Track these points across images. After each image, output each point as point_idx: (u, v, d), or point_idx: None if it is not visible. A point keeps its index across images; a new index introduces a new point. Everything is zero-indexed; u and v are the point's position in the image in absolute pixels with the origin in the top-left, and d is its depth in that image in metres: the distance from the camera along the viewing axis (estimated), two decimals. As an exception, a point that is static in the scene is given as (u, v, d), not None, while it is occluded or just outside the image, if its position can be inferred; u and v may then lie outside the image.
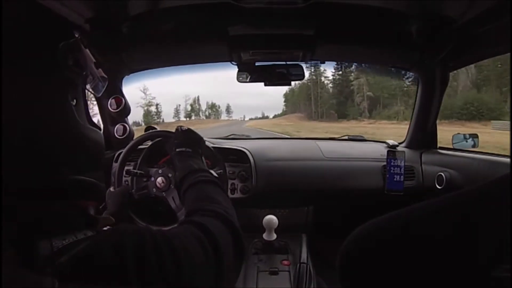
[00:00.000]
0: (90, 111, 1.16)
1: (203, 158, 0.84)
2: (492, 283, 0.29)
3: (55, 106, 0.41)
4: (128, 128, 1.32)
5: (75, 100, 0.44)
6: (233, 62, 1.25)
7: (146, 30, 1.06)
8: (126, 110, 1.29)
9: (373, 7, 0.92)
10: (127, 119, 1.36)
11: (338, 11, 0.96)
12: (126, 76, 1.35)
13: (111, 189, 1.02)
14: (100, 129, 0.51)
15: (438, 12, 0.92)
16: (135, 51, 1.17)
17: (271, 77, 1.28)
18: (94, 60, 0.51)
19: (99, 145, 0.50)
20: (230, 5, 0.88)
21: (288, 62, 1.26)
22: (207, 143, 1.27)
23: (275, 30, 1.08)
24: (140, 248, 0.37)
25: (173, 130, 1.02)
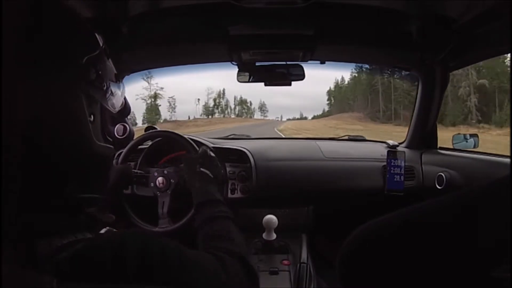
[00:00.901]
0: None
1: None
2: (492, 283, 0.29)
3: (71, 123, 0.39)
4: (128, 128, 1.32)
5: (92, 116, 0.42)
6: (233, 62, 1.25)
7: (146, 30, 1.06)
8: (126, 110, 1.28)
9: (373, 7, 0.92)
10: (128, 119, 1.36)
11: (338, 11, 0.96)
12: (127, 76, 1.35)
13: (113, 161, 1.03)
14: (112, 144, 0.50)
15: (438, 12, 0.92)
16: (135, 51, 1.17)
17: (271, 77, 1.28)
18: (115, 72, 0.50)
19: (109, 162, 0.49)
20: (230, 5, 0.88)
21: (288, 62, 1.26)
22: (206, 142, 1.27)
23: (275, 30, 1.08)
24: (144, 248, 0.37)
25: (173, 130, 1.02)
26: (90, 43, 0.43)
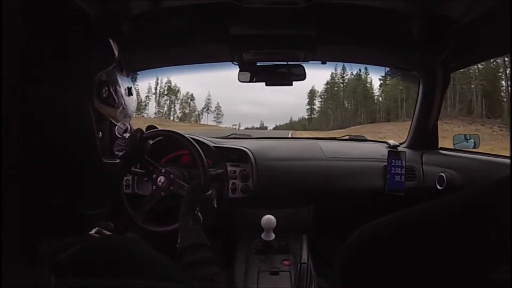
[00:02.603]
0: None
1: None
2: (492, 283, 0.29)
3: (79, 140, 0.38)
4: (129, 127, 1.32)
5: (100, 133, 0.41)
6: (234, 62, 1.25)
7: (147, 30, 1.06)
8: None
9: (374, 7, 0.92)
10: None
11: (340, 11, 0.96)
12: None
13: (138, 135, 1.02)
14: (118, 158, 0.48)
15: (439, 12, 0.92)
16: (136, 51, 1.18)
17: (272, 77, 1.28)
18: (129, 86, 0.47)
19: (115, 180, 0.48)
20: (231, 5, 0.88)
21: (289, 62, 1.27)
22: (208, 142, 1.28)
23: (277, 30, 1.09)
24: (138, 247, 0.37)
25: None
26: (105, 57, 0.42)
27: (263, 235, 1.14)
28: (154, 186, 1.03)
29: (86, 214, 0.41)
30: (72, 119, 0.37)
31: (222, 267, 0.66)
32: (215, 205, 0.88)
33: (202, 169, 0.94)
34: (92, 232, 0.50)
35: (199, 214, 0.79)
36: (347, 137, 1.62)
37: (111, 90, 0.41)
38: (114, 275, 0.34)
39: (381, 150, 1.38)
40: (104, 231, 0.52)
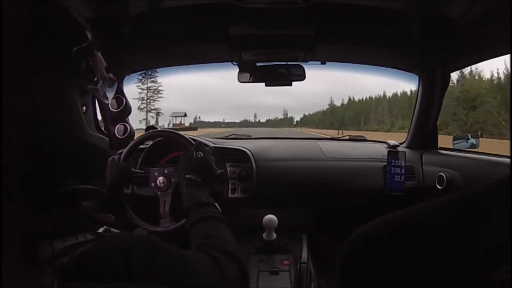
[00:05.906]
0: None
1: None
2: (492, 284, 0.29)
3: (64, 114, 0.39)
4: (129, 128, 1.33)
5: (84, 107, 0.43)
6: (234, 62, 1.25)
7: (146, 30, 1.06)
8: (127, 110, 1.29)
9: (374, 7, 0.92)
10: (128, 119, 1.37)
11: (339, 11, 0.96)
12: (127, 76, 1.36)
13: (115, 157, 1.03)
14: (106, 136, 0.50)
15: (439, 12, 0.92)
16: (136, 51, 1.18)
17: (271, 78, 1.28)
18: (105, 64, 0.50)
19: (105, 153, 0.49)
20: (231, 5, 0.89)
21: (289, 62, 1.27)
22: (207, 142, 1.28)
23: (276, 30, 1.09)
24: (149, 254, 0.38)
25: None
26: (79, 35, 0.43)
27: (264, 235, 1.14)
28: (159, 192, 1.05)
29: (80, 188, 0.41)
30: (54, 93, 0.38)
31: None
32: (200, 154, 0.83)
33: (188, 144, 0.99)
34: (100, 230, 0.50)
35: (187, 175, 0.77)
36: (346, 137, 1.62)
37: (89, 63, 0.43)
38: (128, 280, 0.34)
39: (381, 150, 1.38)
40: (112, 229, 0.52)
